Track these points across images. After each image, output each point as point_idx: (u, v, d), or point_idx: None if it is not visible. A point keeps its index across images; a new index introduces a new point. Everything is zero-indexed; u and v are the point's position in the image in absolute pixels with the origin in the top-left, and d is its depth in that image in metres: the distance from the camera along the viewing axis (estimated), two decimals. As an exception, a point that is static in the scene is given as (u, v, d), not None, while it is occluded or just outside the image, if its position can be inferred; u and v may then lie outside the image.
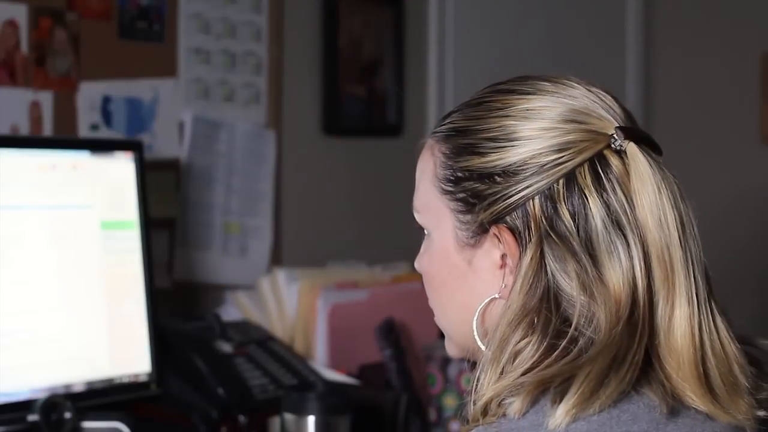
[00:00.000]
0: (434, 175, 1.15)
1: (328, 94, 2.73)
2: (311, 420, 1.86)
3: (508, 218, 1.10)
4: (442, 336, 1.23)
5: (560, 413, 1.00)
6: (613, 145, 1.08)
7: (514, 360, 1.05)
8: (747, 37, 3.52)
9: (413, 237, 2.82)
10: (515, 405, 1.02)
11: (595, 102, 1.11)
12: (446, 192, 1.14)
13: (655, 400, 1.05)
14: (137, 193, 1.99)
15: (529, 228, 1.08)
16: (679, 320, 1.06)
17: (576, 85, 1.13)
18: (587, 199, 1.07)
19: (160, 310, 2.02)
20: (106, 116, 2.25)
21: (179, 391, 2.01)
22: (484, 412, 1.06)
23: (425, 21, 3.03)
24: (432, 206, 1.16)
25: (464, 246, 1.13)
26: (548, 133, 1.09)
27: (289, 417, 1.87)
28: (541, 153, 1.08)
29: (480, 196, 1.11)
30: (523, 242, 1.09)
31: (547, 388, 1.02)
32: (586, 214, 1.07)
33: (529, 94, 1.12)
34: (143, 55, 2.33)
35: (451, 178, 1.13)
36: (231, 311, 2.35)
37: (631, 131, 1.09)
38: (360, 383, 2.20)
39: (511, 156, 1.09)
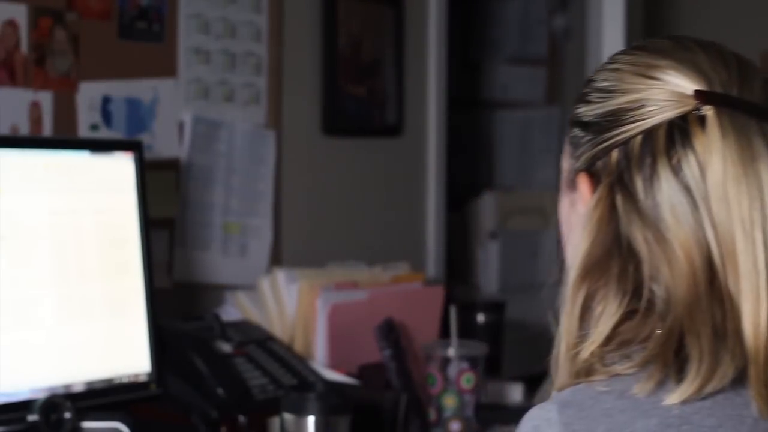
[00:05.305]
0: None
1: (328, 94, 2.73)
2: (311, 420, 1.86)
3: (592, 167, 1.13)
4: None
5: (679, 393, 1.02)
6: (696, 110, 1.07)
7: (592, 312, 1.08)
8: (747, 37, 3.52)
9: (413, 237, 2.82)
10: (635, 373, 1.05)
11: (697, 64, 1.10)
12: (567, 136, 1.19)
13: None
14: (137, 193, 1.99)
15: (605, 177, 1.11)
16: (745, 304, 1.04)
17: (692, 46, 1.13)
18: (657, 159, 1.07)
19: (160, 310, 2.02)
20: (106, 116, 2.25)
21: (179, 391, 2.01)
22: (588, 371, 1.07)
23: (425, 21, 3.03)
24: (565, 150, 1.21)
25: (569, 188, 1.18)
26: (638, 87, 1.10)
27: (288, 417, 1.87)
28: (627, 107, 1.10)
29: (577, 143, 1.16)
30: (598, 190, 1.12)
31: (666, 362, 1.03)
32: (654, 174, 1.07)
33: (642, 50, 1.14)
34: (143, 55, 2.33)
35: (569, 123, 1.18)
36: (231, 311, 2.35)
37: (714, 96, 1.08)
38: (360, 383, 2.20)
39: (606, 107, 1.12)
